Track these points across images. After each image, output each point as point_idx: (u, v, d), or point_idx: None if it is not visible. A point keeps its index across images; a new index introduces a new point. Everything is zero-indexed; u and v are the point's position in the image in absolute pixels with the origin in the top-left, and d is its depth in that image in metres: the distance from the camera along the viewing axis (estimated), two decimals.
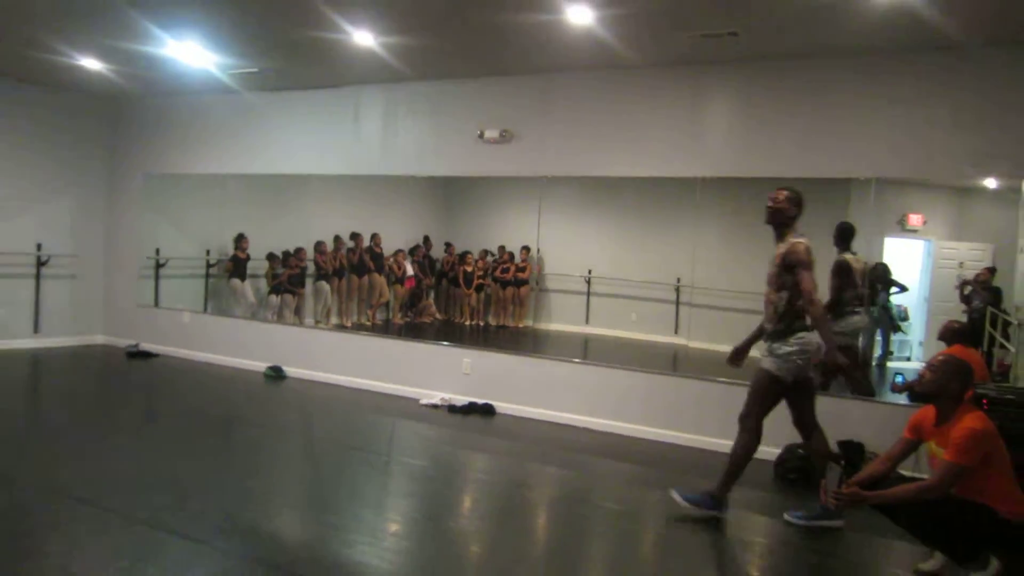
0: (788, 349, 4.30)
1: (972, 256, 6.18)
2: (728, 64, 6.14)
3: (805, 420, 4.55)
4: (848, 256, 5.92)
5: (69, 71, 7.89)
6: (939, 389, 3.55)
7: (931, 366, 3.62)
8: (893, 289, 6.44)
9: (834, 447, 5.40)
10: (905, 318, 6.58)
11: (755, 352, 4.73)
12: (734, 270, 6.72)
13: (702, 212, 6.45)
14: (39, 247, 8.93)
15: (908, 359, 6.59)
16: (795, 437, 5.49)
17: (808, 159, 5.90)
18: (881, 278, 6.36)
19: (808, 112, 5.91)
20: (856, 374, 6.00)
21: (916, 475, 3.77)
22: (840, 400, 5.79)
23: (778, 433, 5.64)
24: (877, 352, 6.62)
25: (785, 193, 4.48)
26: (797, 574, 3.84)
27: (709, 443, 6.04)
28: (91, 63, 7.49)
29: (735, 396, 5.98)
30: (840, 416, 5.59)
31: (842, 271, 5.87)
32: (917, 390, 3.69)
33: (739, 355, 4.79)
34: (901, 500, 3.46)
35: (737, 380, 6.09)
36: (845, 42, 5.55)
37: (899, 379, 5.38)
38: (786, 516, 4.46)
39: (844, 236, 5.94)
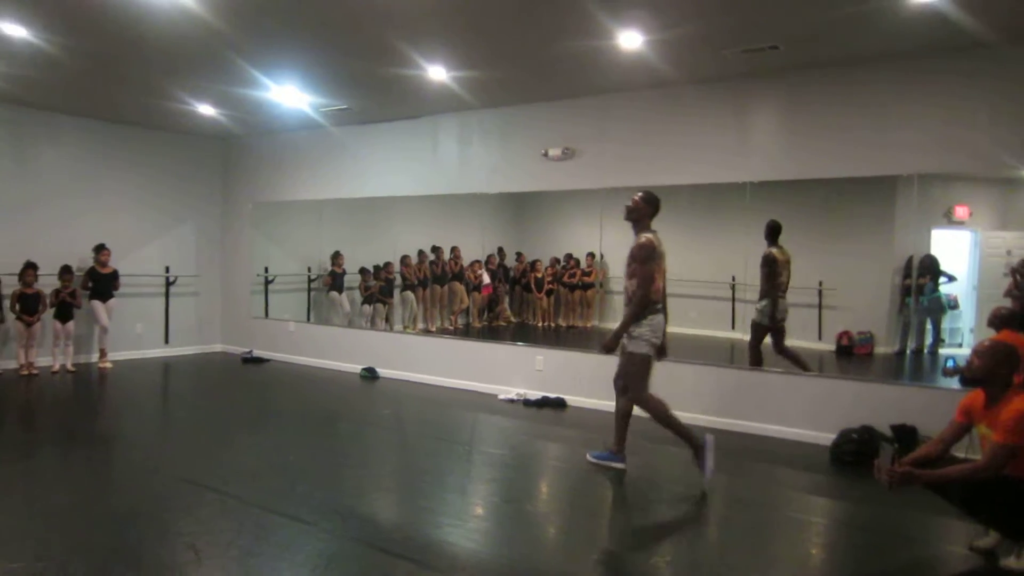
0: (641, 330, 4.62)
1: (1019, 244, 5.89)
2: (770, 75, 6.04)
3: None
4: (774, 250, 6.34)
5: (187, 116, 8.30)
6: (987, 374, 3.43)
7: (978, 352, 3.48)
8: (942, 279, 6.18)
9: (888, 431, 5.27)
10: (955, 306, 6.30)
11: None
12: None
13: (752, 214, 6.34)
14: (167, 270, 9.38)
15: (960, 345, 6.31)
16: (849, 422, 5.44)
17: (851, 160, 5.75)
18: (930, 269, 6.13)
19: (850, 115, 5.75)
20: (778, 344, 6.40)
21: (970, 457, 3.62)
22: (895, 386, 5.64)
23: (833, 419, 5.55)
24: (928, 340, 6.36)
25: (640, 195, 4.74)
26: (855, 551, 3.72)
27: (768, 429, 5.97)
28: (206, 109, 7.86)
29: (791, 385, 5.94)
30: (895, 401, 5.47)
31: (768, 262, 6.33)
32: (966, 375, 3.55)
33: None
34: (952, 480, 3.35)
35: (794, 372, 5.98)
36: (880, 47, 5.40)
37: (950, 363, 5.17)
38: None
39: (772, 233, 6.38)
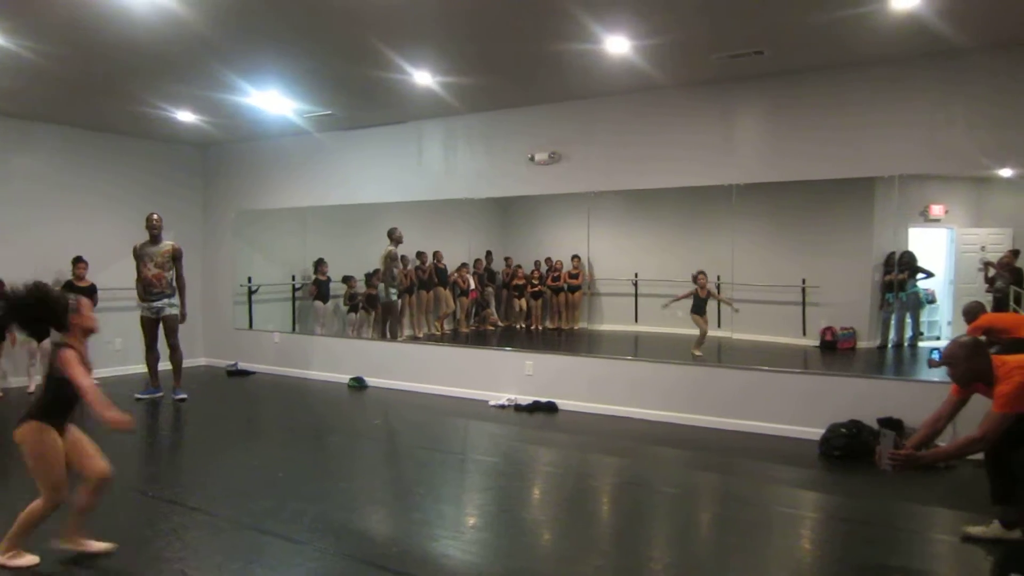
0: (176, 302, 7.22)
1: (992, 240, 6.02)
2: (756, 80, 6.06)
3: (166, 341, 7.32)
4: (391, 248, 8.25)
5: (166, 123, 8.14)
6: (968, 373, 3.45)
7: (947, 361, 3.51)
8: (920, 275, 6.24)
9: (875, 425, 5.28)
10: (933, 301, 6.37)
11: None
12: (769, 266, 6.58)
13: (737, 215, 6.34)
14: None
15: (937, 338, 6.39)
16: (837, 417, 5.49)
17: (834, 161, 5.81)
18: (908, 265, 6.18)
19: (832, 119, 5.81)
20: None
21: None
22: (880, 380, 5.71)
23: (821, 414, 5.56)
24: (908, 334, 6.42)
25: (158, 216, 7.14)
26: (847, 544, 3.72)
27: (757, 427, 5.97)
28: (185, 115, 7.71)
29: (777, 383, 5.93)
30: (880, 395, 5.53)
31: (390, 257, 8.29)
32: (956, 381, 3.56)
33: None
34: (953, 455, 3.42)
35: (778, 369, 5.98)
36: (863, 53, 5.45)
37: (935, 355, 5.17)
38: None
39: (391, 236, 8.20)
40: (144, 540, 3.64)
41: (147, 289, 7.16)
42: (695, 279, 6.81)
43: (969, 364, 3.42)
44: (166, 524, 3.85)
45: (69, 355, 3.15)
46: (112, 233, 8.80)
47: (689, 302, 6.89)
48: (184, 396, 7.32)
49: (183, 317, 7.31)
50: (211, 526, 3.81)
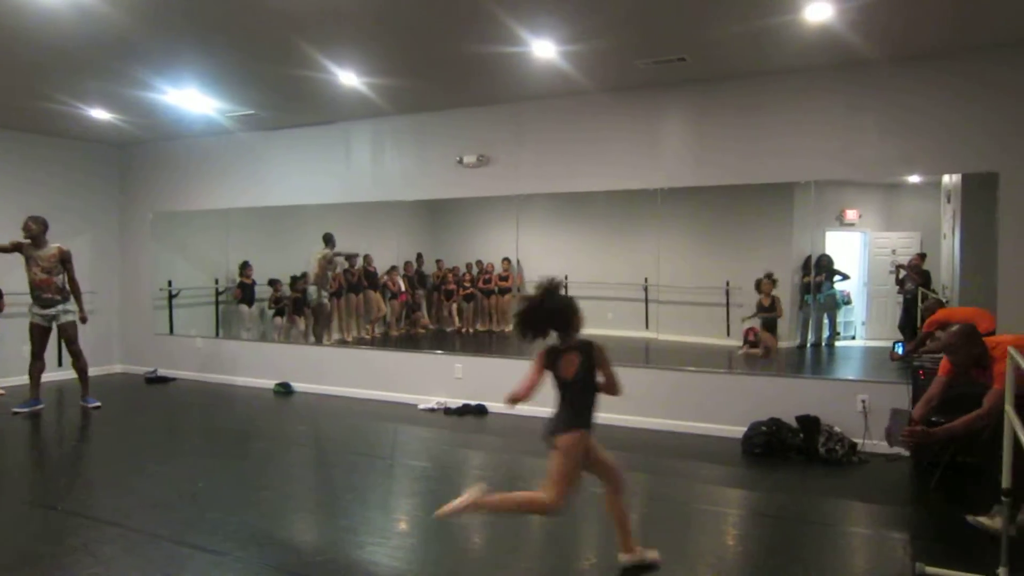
0: (72, 308, 6.80)
1: (903, 244, 6.28)
2: (679, 86, 6.18)
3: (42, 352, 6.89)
4: (327, 251, 8.25)
5: (80, 121, 7.80)
6: (968, 359, 3.63)
7: (949, 351, 3.68)
8: (836, 277, 6.49)
9: (794, 423, 5.46)
10: (848, 302, 6.62)
11: None
12: (694, 268, 6.74)
13: (663, 218, 6.47)
14: None
15: (853, 338, 6.64)
16: (758, 415, 5.61)
17: (754, 167, 5.97)
18: (826, 268, 6.42)
19: (753, 125, 5.97)
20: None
21: None
22: (798, 379, 5.90)
23: (744, 412, 5.72)
24: (825, 334, 6.66)
25: (33, 220, 6.69)
26: (767, 539, 3.84)
27: (682, 426, 6.10)
28: (100, 113, 7.41)
29: (701, 383, 6.07)
30: (799, 393, 5.71)
31: (322, 262, 8.27)
32: (957, 368, 3.72)
33: None
34: (961, 431, 3.56)
35: (703, 369, 6.13)
36: (781, 62, 5.63)
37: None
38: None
39: (326, 240, 8.18)
40: (52, 557, 3.46)
41: (37, 294, 6.76)
42: (759, 286, 6.35)
43: (968, 350, 3.61)
44: (76, 539, 3.68)
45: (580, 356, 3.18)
46: (19, 236, 8.35)
47: (617, 303, 6.97)
48: (98, 404, 7.02)
49: (84, 319, 6.94)
50: (125, 540, 3.66)
